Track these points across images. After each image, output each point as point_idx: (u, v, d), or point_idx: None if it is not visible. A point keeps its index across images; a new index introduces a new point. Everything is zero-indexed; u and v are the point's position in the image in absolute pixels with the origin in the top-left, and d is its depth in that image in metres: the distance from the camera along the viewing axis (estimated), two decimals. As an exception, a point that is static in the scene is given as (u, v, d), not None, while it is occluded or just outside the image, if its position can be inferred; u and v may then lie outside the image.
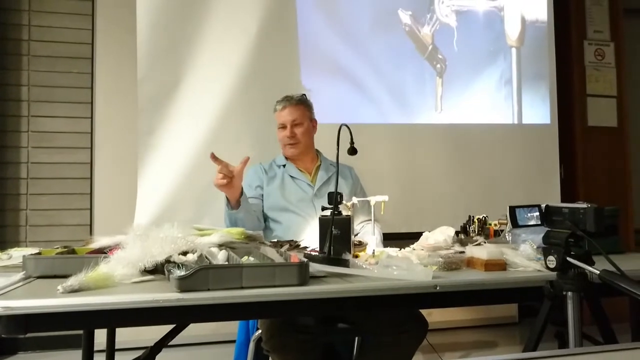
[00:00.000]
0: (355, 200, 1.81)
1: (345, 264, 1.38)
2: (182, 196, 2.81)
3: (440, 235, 1.76)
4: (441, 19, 3.29)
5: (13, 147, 3.09)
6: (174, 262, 1.26)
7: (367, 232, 2.01)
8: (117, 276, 1.23)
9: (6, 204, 3.07)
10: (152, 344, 1.66)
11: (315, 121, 2.32)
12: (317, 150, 2.36)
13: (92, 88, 3.17)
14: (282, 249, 1.52)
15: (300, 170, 2.27)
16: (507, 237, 1.73)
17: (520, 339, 3.39)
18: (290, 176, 2.24)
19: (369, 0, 3.18)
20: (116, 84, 3.12)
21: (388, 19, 3.20)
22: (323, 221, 1.53)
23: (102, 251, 1.41)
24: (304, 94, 2.32)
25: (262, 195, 2.22)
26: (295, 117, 2.23)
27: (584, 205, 1.23)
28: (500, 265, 1.46)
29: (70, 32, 3.18)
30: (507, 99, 3.40)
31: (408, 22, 3.23)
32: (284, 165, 2.27)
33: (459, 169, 3.25)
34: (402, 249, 1.80)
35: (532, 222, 1.36)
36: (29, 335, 1.10)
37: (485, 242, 1.68)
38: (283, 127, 2.25)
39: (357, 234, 2.18)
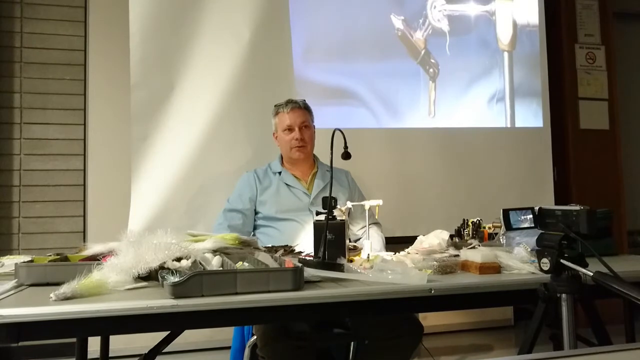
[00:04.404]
0: (349, 204, 1.81)
1: (339, 268, 1.38)
2: (175, 202, 2.79)
3: (435, 239, 1.77)
4: (433, 23, 3.31)
5: (5, 155, 3.07)
6: (168, 269, 1.25)
7: (371, 236, 2.00)
8: (111, 283, 1.22)
9: (-2, 211, 3.06)
10: (146, 352, 1.65)
11: (314, 127, 2.32)
12: (314, 155, 2.35)
13: (84, 95, 3.16)
14: (277, 254, 1.52)
15: (297, 177, 2.26)
16: (501, 240, 1.73)
17: (515, 341, 3.39)
18: (286, 184, 2.23)
19: (361, 5, 3.19)
20: (109, 90, 3.11)
21: (381, 24, 3.21)
22: (317, 226, 1.53)
23: (96, 258, 1.40)
24: (304, 100, 2.33)
25: (251, 208, 2.20)
26: (304, 119, 2.24)
27: (577, 208, 1.24)
28: (494, 268, 1.47)
29: (63, 39, 3.17)
30: (499, 103, 3.41)
31: (400, 27, 3.25)
32: (280, 173, 2.26)
33: (452, 173, 3.26)
34: (397, 253, 1.80)
35: (525, 225, 1.36)
36: (21, 344, 1.09)
37: (479, 245, 1.68)
38: (290, 129, 2.23)
39: (358, 239, 2.18)
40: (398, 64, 3.22)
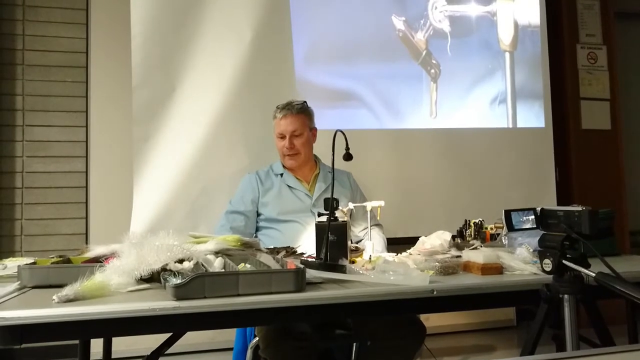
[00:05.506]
0: (351, 205, 1.81)
1: (341, 269, 1.38)
2: (177, 204, 2.79)
3: (437, 240, 1.76)
4: (435, 24, 3.30)
5: (8, 157, 3.08)
6: (170, 270, 1.26)
7: (373, 237, 1.99)
8: (113, 285, 1.23)
9: (1, 213, 3.06)
10: (149, 353, 1.65)
11: (315, 129, 2.30)
12: (315, 157, 2.35)
13: (86, 97, 3.16)
14: (279, 256, 1.52)
15: (298, 179, 2.25)
16: (503, 240, 1.73)
17: (518, 342, 3.39)
18: (288, 186, 2.22)
19: (362, 6, 3.19)
20: (111, 92, 3.11)
21: (382, 25, 3.21)
22: (319, 227, 1.54)
23: (98, 260, 1.40)
24: (305, 102, 2.28)
25: (253, 210, 2.19)
26: (296, 127, 2.19)
27: (579, 208, 1.24)
28: (496, 269, 1.47)
29: (65, 41, 3.17)
30: (501, 103, 3.41)
31: (402, 28, 3.24)
32: (282, 174, 2.26)
33: (454, 174, 3.25)
34: (399, 254, 1.80)
35: (527, 226, 1.36)
36: (24, 345, 1.10)
37: (481, 246, 1.68)
38: (282, 137, 2.21)
39: (360, 241, 2.18)
40: (399, 65, 3.22)
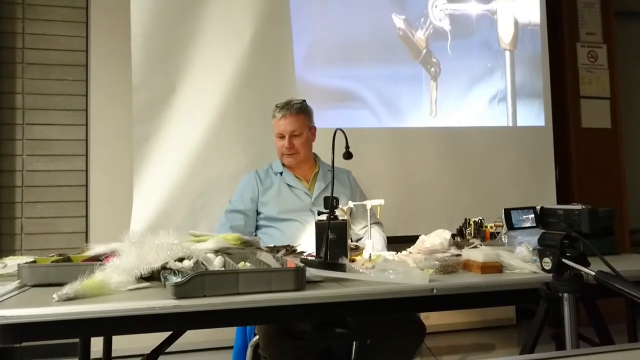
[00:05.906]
0: (351, 204, 1.81)
1: (341, 268, 1.38)
2: (178, 203, 2.80)
3: (437, 239, 1.77)
4: (435, 23, 3.30)
5: (8, 155, 3.08)
6: (170, 269, 1.26)
7: (373, 235, 1.98)
8: (113, 284, 1.23)
9: (1, 212, 3.06)
10: (149, 352, 1.66)
11: (315, 128, 2.29)
12: (315, 155, 2.34)
13: (86, 95, 3.16)
14: (279, 255, 1.52)
15: (298, 177, 2.25)
16: (503, 239, 1.73)
17: (518, 341, 3.39)
18: (288, 184, 2.22)
19: (363, 5, 3.19)
20: (111, 91, 3.11)
21: (382, 24, 3.21)
22: (319, 226, 1.54)
23: (98, 259, 1.40)
24: (304, 100, 2.27)
25: (253, 209, 2.19)
26: (295, 127, 2.18)
27: (579, 207, 1.24)
28: (496, 267, 1.47)
29: (65, 39, 3.17)
30: (501, 102, 3.41)
31: (402, 27, 3.24)
32: (281, 173, 2.26)
33: (454, 172, 3.25)
34: (399, 253, 1.80)
35: (527, 224, 1.36)
36: (24, 344, 1.10)
37: (481, 245, 1.68)
38: (281, 136, 2.21)
39: (360, 239, 2.18)
40: (399, 63, 3.22)
